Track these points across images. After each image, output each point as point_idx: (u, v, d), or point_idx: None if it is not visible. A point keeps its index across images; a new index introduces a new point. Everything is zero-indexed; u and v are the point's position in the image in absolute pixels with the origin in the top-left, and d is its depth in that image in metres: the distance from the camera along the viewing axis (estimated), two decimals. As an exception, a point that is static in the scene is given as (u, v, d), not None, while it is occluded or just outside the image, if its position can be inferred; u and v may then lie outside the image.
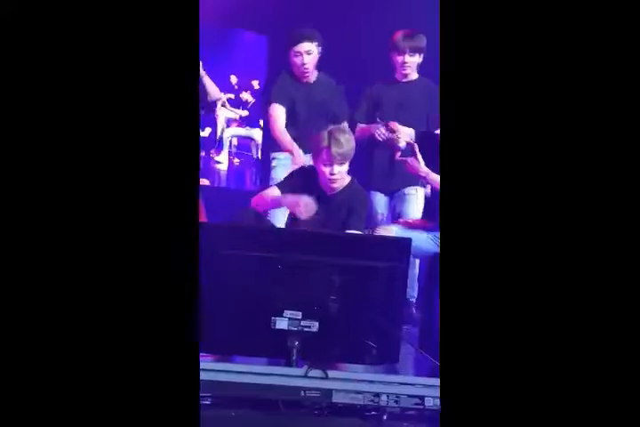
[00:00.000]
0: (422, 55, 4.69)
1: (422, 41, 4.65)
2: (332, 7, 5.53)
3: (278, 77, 4.71)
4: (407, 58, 4.65)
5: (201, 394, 2.40)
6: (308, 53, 4.58)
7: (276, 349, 2.57)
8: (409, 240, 2.64)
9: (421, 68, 4.75)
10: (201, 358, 2.54)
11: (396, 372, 2.57)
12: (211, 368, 2.39)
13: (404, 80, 4.72)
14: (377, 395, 2.33)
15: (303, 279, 2.59)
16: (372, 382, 2.38)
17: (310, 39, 4.58)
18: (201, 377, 2.32)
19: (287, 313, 2.57)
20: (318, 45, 4.61)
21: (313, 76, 4.69)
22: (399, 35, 4.66)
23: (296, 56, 4.58)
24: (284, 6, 5.56)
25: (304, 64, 4.59)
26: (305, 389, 2.34)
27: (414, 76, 4.75)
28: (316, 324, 2.57)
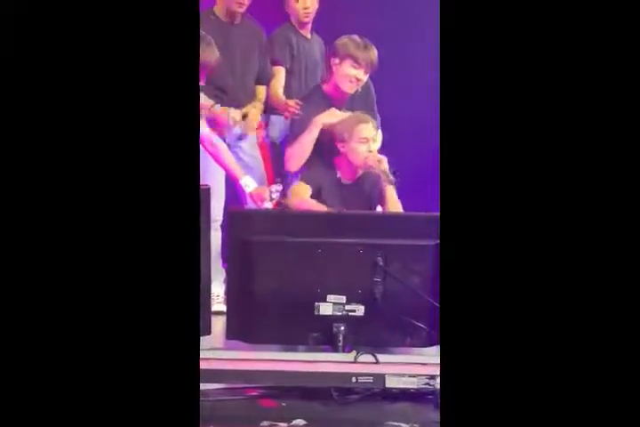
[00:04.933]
0: None
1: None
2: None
3: (278, 32, 4.43)
4: None
5: (248, 385, 2.36)
6: None
7: (322, 335, 2.49)
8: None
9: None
10: (245, 350, 2.50)
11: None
12: (257, 358, 2.31)
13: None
14: (432, 377, 2.24)
15: (345, 262, 2.51)
16: (424, 364, 2.29)
17: None
18: (247, 368, 2.27)
19: (331, 298, 2.49)
20: None
21: (309, 31, 4.47)
22: None
23: (296, 1, 4.36)
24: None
25: (306, 8, 4.36)
26: (356, 375, 2.26)
27: None
28: (362, 307, 2.49)
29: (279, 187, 3.78)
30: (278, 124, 4.34)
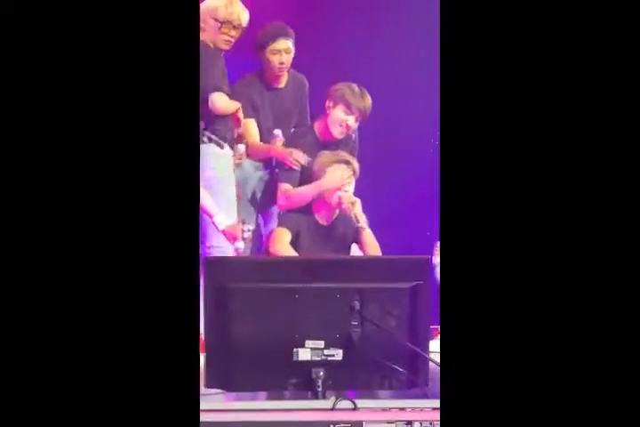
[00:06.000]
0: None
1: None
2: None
3: (244, 82, 4.39)
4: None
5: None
6: (287, 52, 4.29)
7: (302, 381, 2.49)
8: (427, 259, 2.57)
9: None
10: (223, 398, 2.49)
11: (426, 396, 2.46)
12: (233, 408, 2.31)
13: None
14: (409, 423, 2.24)
15: (322, 307, 2.51)
16: (403, 409, 2.29)
17: (287, 36, 4.28)
18: (224, 419, 2.27)
19: (309, 343, 2.48)
20: (293, 44, 4.31)
21: (284, 79, 4.43)
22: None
23: (274, 54, 4.28)
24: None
25: (282, 63, 4.30)
26: (334, 422, 2.25)
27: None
28: (340, 352, 2.48)
29: (251, 226, 3.82)
30: (248, 169, 4.36)
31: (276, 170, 4.35)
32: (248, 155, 4.29)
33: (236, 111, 4.06)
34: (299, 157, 4.20)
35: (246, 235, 3.82)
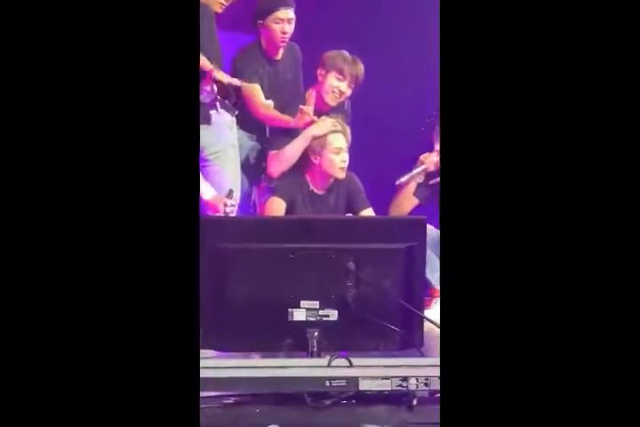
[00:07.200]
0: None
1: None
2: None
3: (245, 53, 4.36)
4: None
5: (223, 393, 2.34)
6: (289, 22, 4.25)
7: (296, 341, 2.49)
8: (423, 219, 2.57)
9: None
10: (219, 357, 2.49)
11: (422, 356, 2.46)
12: (229, 365, 2.30)
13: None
14: (405, 379, 2.23)
15: (317, 268, 2.51)
16: (398, 366, 2.29)
17: (288, 5, 4.25)
18: (221, 375, 2.26)
19: (304, 304, 2.48)
20: (294, 13, 4.29)
21: (281, 51, 4.39)
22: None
23: (276, 23, 4.24)
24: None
25: (284, 33, 4.26)
26: (330, 378, 2.25)
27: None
28: (335, 312, 2.48)
29: (234, 201, 3.75)
30: (242, 139, 4.28)
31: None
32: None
33: (211, 71, 3.94)
34: (307, 113, 4.14)
35: (228, 209, 3.76)
